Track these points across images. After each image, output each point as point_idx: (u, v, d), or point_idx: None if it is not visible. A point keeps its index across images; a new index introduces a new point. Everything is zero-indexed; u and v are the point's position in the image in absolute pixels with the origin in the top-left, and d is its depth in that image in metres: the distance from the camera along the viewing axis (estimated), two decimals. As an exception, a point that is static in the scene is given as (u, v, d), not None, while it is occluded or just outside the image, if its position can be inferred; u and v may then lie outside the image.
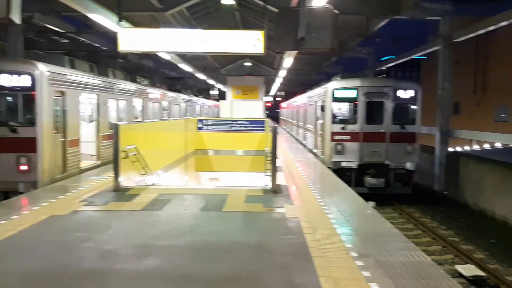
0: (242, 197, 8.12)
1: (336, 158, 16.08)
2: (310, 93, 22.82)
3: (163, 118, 20.33)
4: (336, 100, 16.38)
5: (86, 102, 13.55)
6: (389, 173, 16.02)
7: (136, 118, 16.86)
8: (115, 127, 8.58)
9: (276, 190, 8.66)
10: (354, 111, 16.28)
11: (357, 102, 16.11)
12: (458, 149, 22.92)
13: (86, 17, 12.57)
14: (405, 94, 16.17)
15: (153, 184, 9.95)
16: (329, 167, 14.33)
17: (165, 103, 21.39)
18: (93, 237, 5.62)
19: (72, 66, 12.26)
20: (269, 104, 51.23)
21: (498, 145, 23.57)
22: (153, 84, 21.06)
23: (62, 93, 10.62)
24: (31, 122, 9.82)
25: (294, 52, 14.36)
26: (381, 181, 15.75)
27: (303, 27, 7.07)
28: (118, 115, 14.67)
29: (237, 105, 21.48)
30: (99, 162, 12.58)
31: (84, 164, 11.85)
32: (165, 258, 4.94)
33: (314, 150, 19.05)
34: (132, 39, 9.19)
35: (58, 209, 7.05)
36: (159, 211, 7.01)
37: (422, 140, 17.49)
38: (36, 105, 9.77)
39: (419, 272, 4.57)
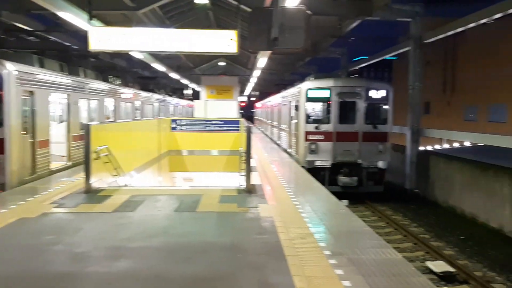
0: (216, 197, 8.10)
1: (310, 158, 16.21)
2: (284, 93, 22.93)
3: (136, 118, 20.09)
4: (309, 100, 16.53)
5: (56, 102, 13.27)
6: (362, 172, 16.25)
7: (108, 118, 16.61)
8: (86, 127, 8.44)
9: (250, 190, 8.67)
10: (328, 111, 16.45)
11: (331, 102, 16.29)
12: (429, 148, 23.42)
13: (56, 15, 12.28)
14: (377, 94, 16.42)
15: (126, 185, 9.81)
16: (303, 167, 14.43)
17: (138, 103, 21.15)
18: (64, 240, 5.51)
19: (42, 66, 11.97)
20: (243, 104, 51.22)
21: (467, 144, 24.18)
22: (125, 84, 20.77)
23: (31, 93, 10.37)
24: (-1, 123, 9.56)
25: (268, 52, 14.41)
26: (354, 180, 15.96)
27: (276, 27, 7.07)
28: (89, 115, 14.42)
29: (211, 105, 21.38)
30: (70, 163, 12.35)
31: (54, 165, 11.60)
32: (138, 260, 4.88)
33: (289, 150, 19.16)
34: (103, 38, 9.02)
35: (27, 211, 6.88)
36: (132, 213, 6.92)
37: (394, 140, 17.80)
38: (4, 105, 9.50)
39: (390, 269, 4.65)
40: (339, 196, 9.31)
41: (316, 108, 16.73)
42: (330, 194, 8.86)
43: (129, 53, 15.85)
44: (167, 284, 4.29)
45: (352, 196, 15.42)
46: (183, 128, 15.72)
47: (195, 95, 35.47)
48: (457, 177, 15.18)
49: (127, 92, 19.27)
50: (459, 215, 14.60)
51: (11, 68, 9.63)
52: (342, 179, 16.00)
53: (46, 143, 11.07)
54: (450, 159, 16.17)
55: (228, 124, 15.73)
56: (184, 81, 34.97)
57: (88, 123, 9.05)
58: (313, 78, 18.19)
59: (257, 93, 51.86)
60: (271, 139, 27.01)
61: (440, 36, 16.80)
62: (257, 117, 51.49)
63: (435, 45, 20.08)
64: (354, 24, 17.92)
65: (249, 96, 55.76)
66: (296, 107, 17.38)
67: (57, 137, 12.27)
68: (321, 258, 4.93)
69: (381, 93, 16.46)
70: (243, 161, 9.11)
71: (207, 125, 15.78)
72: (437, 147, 25.98)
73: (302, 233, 5.88)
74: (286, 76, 36.28)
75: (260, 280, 4.32)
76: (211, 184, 13.60)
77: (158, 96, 27.20)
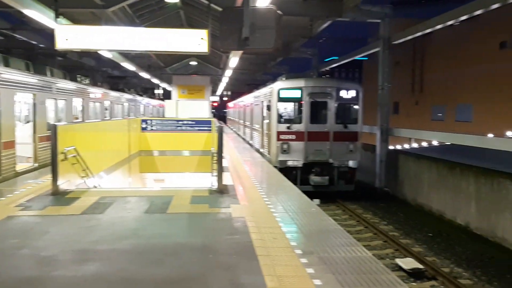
0: (187, 198, 8.02)
1: (282, 157, 16.28)
2: (257, 93, 22.96)
3: (105, 118, 19.74)
4: (281, 100, 16.59)
5: (22, 102, 12.92)
6: (333, 171, 16.42)
7: (77, 118, 16.28)
8: (53, 128, 8.22)
9: (222, 190, 8.63)
10: (299, 111, 16.55)
11: (302, 102, 16.39)
12: (398, 147, 23.86)
13: (21, 13, 11.96)
14: (347, 94, 16.61)
15: (95, 187, 9.63)
16: (275, 166, 14.48)
17: (107, 103, 20.78)
18: (30, 244, 5.35)
19: (6, 64, 11.65)
20: (215, 104, 51.05)
21: (435, 143, 24.76)
22: (94, 83, 20.41)
23: (-5, 92, 10.06)
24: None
25: (240, 52, 14.38)
26: (325, 179, 16.12)
27: (247, 27, 7.05)
28: (56, 115, 14.09)
29: (183, 105, 21.24)
30: (37, 164, 12.03)
31: (20, 167, 11.28)
32: (106, 263, 4.78)
33: (261, 150, 19.19)
34: (70, 36, 8.81)
35: (-10, 215, 6.66)
36: (101, 215, 6.78)
37: (364, 139, 18.06)
38: (-34, 105, 9.21)
39: (360, 267, 4.70)
40: (311, 195, 9.37)
41: (288, 108, 16.82)
42: (302, 193, 8.90)
43: (98, 52, 15.56)
44: (137, 287, 4.21)
45: (323, 195, 15.57)
46: (153, 128, 15.55)
47: (167, 95, 35.12)
48: (425, 175, 15.51)
49: (96, 92, 18.93)
50: (427, 213, 14.93)
51: (-27, 66, 9.33)
52: (314, 179, 16.13)
53: (11, 144, 10.75)
54: (419, 158, 16.51)
55: (200, 124, 15.65)
56: (155, 80, 34.60)
57: (55, 123, 8.81)
58: (284, 78, 18.27)
59: (229, 93, 51.81)
60: (243, 139, 26.99)
61: (409, 37, 17.14)
62: (229, 117, 51.39)
63: (404, 46, 20.50)
64: (325, 25, 18.10)
65: (221, 96, 55.67)
66: (268, 107, 17.43)
67: (23, 138, 11.95)
68: (293, 257, 4.95)
69: (351, 93, 16.66)
70: (215, 161, 9.05)
71: (178, 125, 15.65)
72: (406, 146, 26.51)
73: (274, 232, 5.88)
74: (258, 76, 36.37)
75: (232, 280, 4.30)
76: (182, 185, 13.50)
77: (128, 96, 26.81)
